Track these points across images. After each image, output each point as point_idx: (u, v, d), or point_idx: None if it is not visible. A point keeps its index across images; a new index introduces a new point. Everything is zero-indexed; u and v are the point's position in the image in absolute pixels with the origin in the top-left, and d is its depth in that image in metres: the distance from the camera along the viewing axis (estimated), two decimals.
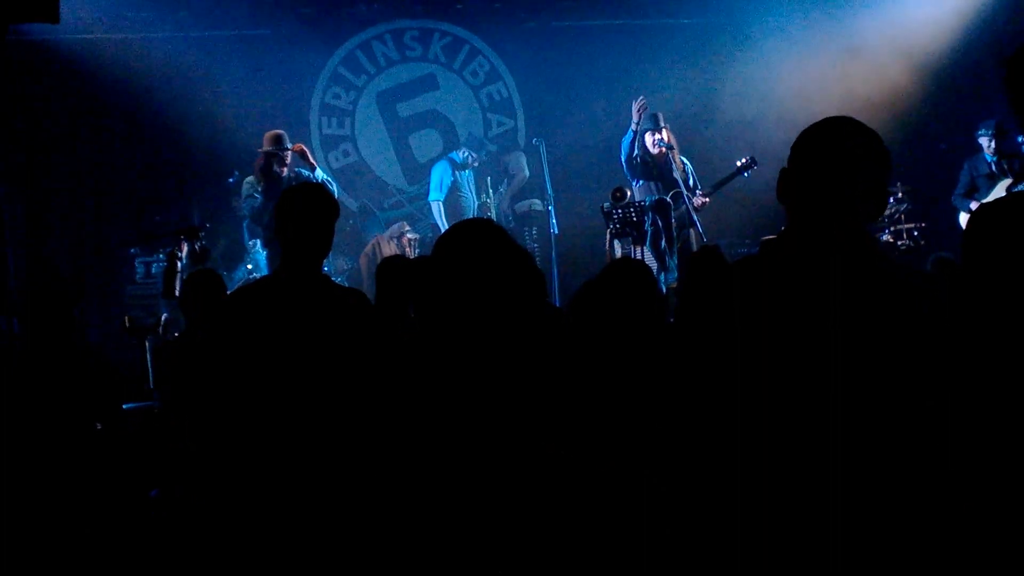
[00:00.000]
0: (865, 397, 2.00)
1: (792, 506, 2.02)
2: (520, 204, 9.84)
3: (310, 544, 2.99)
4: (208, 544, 3.20)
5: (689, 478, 2.22)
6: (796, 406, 2.03)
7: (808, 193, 2.12)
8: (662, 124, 8.36)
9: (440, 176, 9.39)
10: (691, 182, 8.37)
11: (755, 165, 8.16)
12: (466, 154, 9.44)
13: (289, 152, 7.97)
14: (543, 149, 9.27)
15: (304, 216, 3.28)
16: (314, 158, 8.16)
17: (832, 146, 2.12)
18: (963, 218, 9.02)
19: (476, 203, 9.37)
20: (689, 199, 8.08)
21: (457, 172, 9.42)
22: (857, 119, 2.17)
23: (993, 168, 8.81)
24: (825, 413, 2.01)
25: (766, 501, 2.04)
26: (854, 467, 2.00)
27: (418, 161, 10.45)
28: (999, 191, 8.74)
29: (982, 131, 8.84)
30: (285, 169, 7.93)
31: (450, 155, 9.60)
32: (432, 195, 9.39)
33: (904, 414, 2.00)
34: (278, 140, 8.01)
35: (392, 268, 4.77)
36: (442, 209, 9.24)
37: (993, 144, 8.75)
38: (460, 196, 9.36)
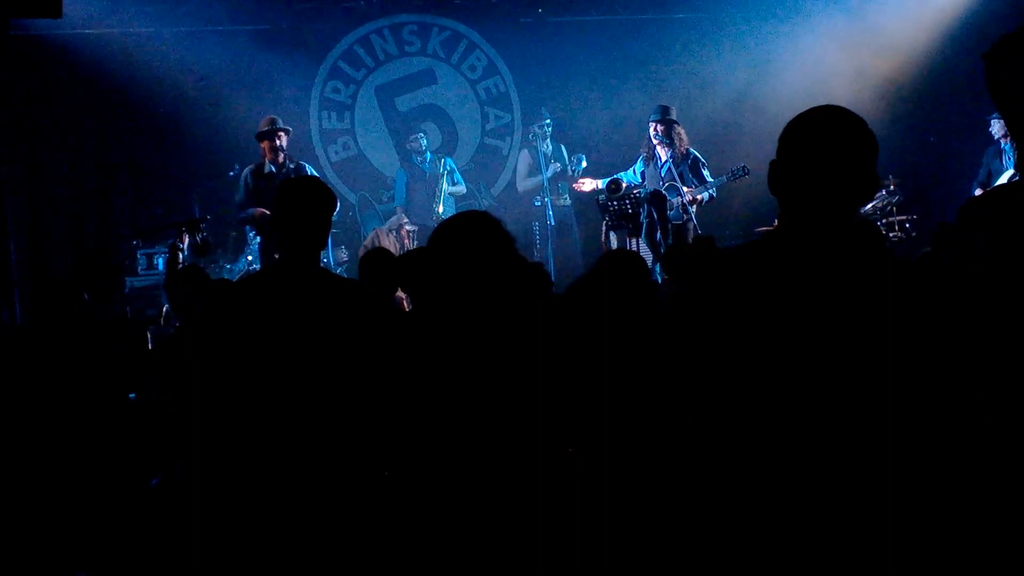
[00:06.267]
0: (859, 385, 2.02)
1: (788, 499, 2.03)
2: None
3: (309, 537, 3.01)
4: (206, 535, 3.22)
5: (684, 469, 2.25)
6: (790, 394, 2.05)
7: (798, 183, 2.14)
8: (668, 116, 8.48)
9: (398, 183, 9.77)
10: (688, 176, 8.47)
11: (746, 175, 8.20)
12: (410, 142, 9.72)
13: (283, 133, 8.08)
14: (540, 143, 9.39)
15: (302, 208, 3.30)
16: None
17: (818, 135, 2.14)
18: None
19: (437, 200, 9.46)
20: (683, 192, 8.18)
21: (413, 171, 9.63)
22: (842, 107, 2.18)
23: (1002, 158, 8.86)
24: (819, 401, 2.02)
25: (762, 493, 2.05)
26: (848, 457, 2.01)
27: None
28: (1002, 182, 8.80)
29: (993, 117, 8.89)
30: (282, 155, 8.05)
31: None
32: (395, 202, 9.75)
33: (896, 401, 2.01)
34: (271, 122, 8.17)
35: (375, 260, 4.88)
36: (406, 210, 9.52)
37: (1001, 130, 8.79)
38: (417, 196, 9.55)
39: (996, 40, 2.26)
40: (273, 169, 8.07)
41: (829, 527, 2.01)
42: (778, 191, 2.18)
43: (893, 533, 1.99)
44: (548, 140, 9.63)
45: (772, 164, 2.20)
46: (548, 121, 9.64)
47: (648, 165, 8.58)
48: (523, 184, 9.69)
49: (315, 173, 8.12)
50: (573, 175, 9.44)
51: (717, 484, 2.11)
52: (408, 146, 9.79)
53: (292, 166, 8.10)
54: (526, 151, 9.73)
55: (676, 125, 8.52)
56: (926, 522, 2.02)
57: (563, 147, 9.65)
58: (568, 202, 9.52)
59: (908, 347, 2.01)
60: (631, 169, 8.79)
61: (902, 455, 2.00)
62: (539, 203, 9.33)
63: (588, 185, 9.10)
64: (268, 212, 7.67)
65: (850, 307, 2.05)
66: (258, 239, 8.15)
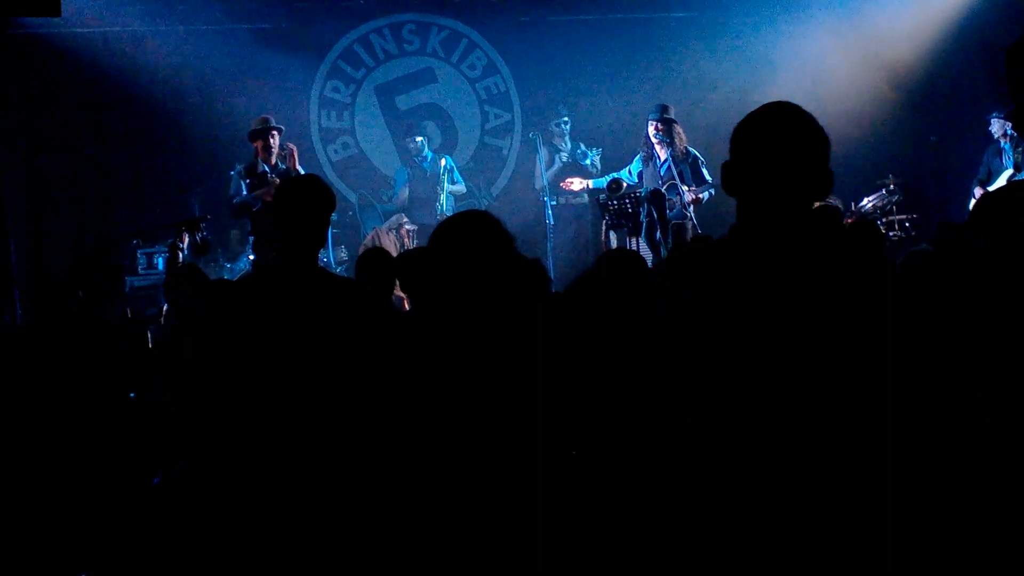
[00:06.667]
0: (816, 378, 2.02)
1: (765, 499, 2.04)
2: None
3: (308, 537, 3.01)
4: (206, 535, 3.22)
5: (683, 469, 2.23)
6: (753, 390, 2.05)
7: (751, 182, 2.13)
8: (667, 115, 8.47)
9: (398, 182, 9.76)
10: (688, 175, 8.47)
11: None
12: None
13: (276, 132, 8.09)
14: (539, 142, 9.39)
15: (300, 207, 3.31)
16: (299, 162, 8.25)
17: (767, 133, 2.13)
18: (971, 204, 9.09)
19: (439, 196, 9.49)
20: (683, 192, 8.18)
21: (414, 170, 9.61)
22: (791, 103, 2.17)
23: (1002, 157, 8.88)
24: (780, 395, 2.02)
25: (743, 493, 2.06)
26: (813, 452, 2.01)
27: None
28: (1001, 180, 8.81)
29: (993, 116, 8.91)
30: (274, 155, 8.05)
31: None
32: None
33: (850, 393, 2.01)
34: (264, 121, 8.18)
35: (374, 260, 4.88)
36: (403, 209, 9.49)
37: (1001, 130, 8.82)
38: (417, 195, 9.54)
39: (1019, 37, 2.26)
40: (266, 168, 8.07)
41: (801, 523, 2.01)
42: (732, 191, 2.18)
43: (879, 530, 1.99)
44: (566, 138, 9.59)
45: (724, 165, 2.20)
46: (566, 118, 9.61)
47: (647, 165, 8.57)
48: (540, 181, 9.68)
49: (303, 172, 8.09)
50: (594, 170, 9.41)
51: (703, 484, 2.12)
52: (408, 147, 9.78)
53: (284, 166, 8.10)
54: (544, 148, 9.69)
55: (675, 124, 8.52)
56: (914, 520, 2.04)
57: (581, 144, 9.59)
58: (585, 199, 9.46)
59: (862, 339, 2.01)
60: (625, 169, 8.77)
61: (858, 448, 2.01)
62: (554, 200, 9.32)
63: (577, 184, 9.10)
64: (267, 190, 7.64)
65: (804, 303, 2.04)
66: (251, 238, 8.14)
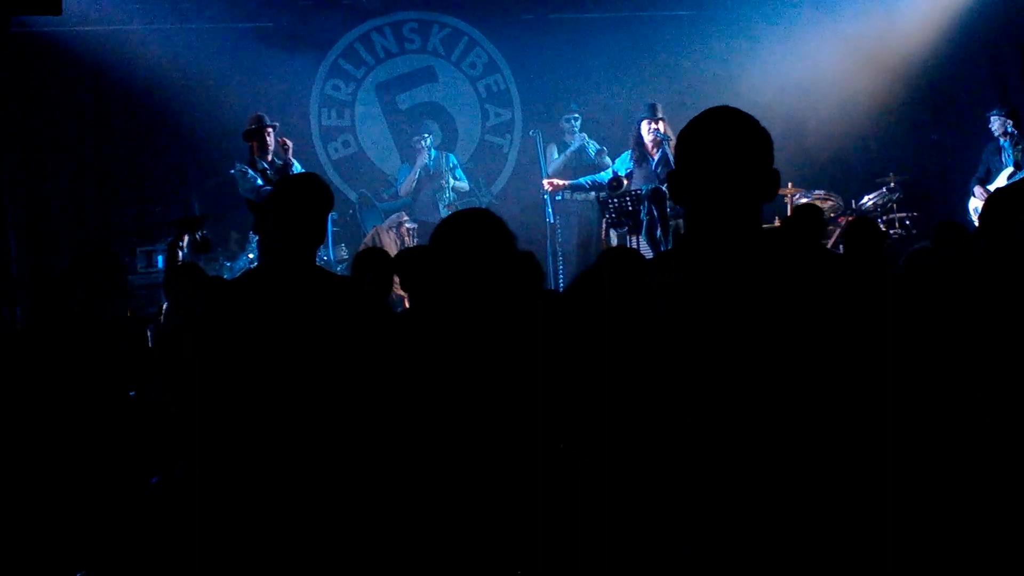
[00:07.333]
0: (769, 385, 2.00)
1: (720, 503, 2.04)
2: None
3: (308, 536, 3.02)
4: (206, 535, 3.21)
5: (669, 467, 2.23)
6: (708, 399, 2.04)
7: (697, 189, 2.10)
8: (659, 115, 8.45)
9: (401, 179, 9.83)
10: None
11: None
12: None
13: (271, 130, 8.08)
14: (540, 140, 9.38)
15: (299, 205, 3.30)
16: (293, 154, 8.23)
17: (709, 138, 2.09)
18: (971, 202, 9.10)
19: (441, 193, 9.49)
20: None
21: (418, 167, 9.60)
22: (732, 107, 2.14)
23: (1001, 155, 8.89)
24: (735, 405, 2.01)
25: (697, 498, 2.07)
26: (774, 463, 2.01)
27: None
28: (1001, 179, 8.82)
29: (993, 114, 8.91)
30: (269, 152, 8.04)
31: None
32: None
33: (813, 400, 2.00)
34: (258, 119, 8.16)
35: (370, 259, 4.88)
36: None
37: (1001, 128, 8.82)
38: (421, 193, 9.55)
39: None
40: (264, 166, 8.06)
41: (802, 523, 2.00)
42: (680, 200, 2.16)
43: (880, 530, 1.98)
44: (576, 134, 9.54)
45: (670, 175, 2.18)
46: (576, 115, 9.58)
47: (639, 166, 8.51)
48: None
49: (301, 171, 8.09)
50: (598, 167, 9.38)
51: (702, 484, 2.11)
52: (415, 146, 9.77)
53: (280, 162, 8.09)
54: (553, 144, 9.65)
55: (666, 122, 8.49)
56: (914, 519, 2.08)
57: (593, 140, 9.53)
58: (591, 196, 9.42)
59: (818, 342, 1.99)
60: (610, 169, 8.72)
61: (858, 449, 1.99)
62: (559, 196, 9.29)
63: (558, 183, 9.08)
64: None
65: (755, 309, 2.01)
66: (256, 238, 8.13)
